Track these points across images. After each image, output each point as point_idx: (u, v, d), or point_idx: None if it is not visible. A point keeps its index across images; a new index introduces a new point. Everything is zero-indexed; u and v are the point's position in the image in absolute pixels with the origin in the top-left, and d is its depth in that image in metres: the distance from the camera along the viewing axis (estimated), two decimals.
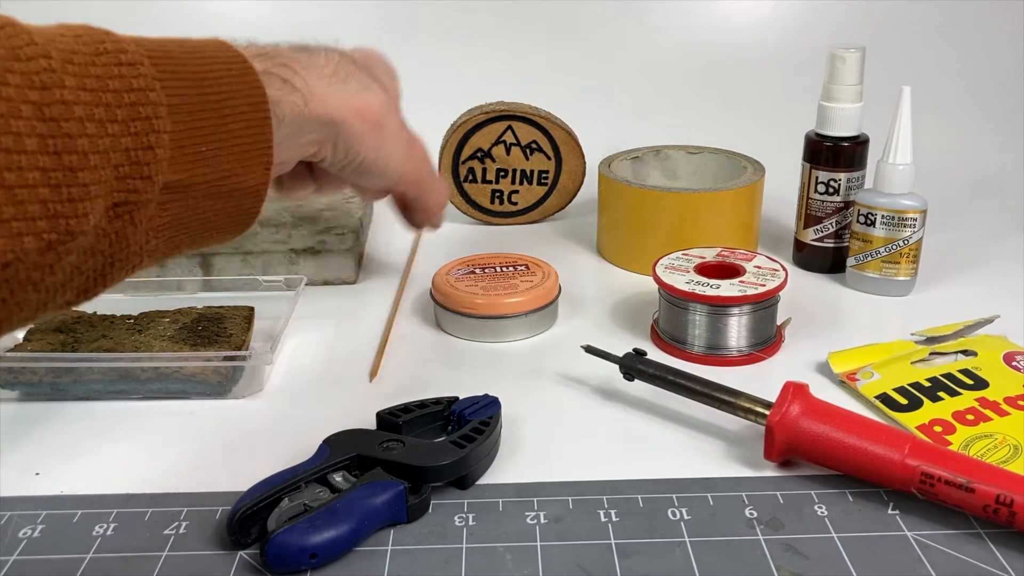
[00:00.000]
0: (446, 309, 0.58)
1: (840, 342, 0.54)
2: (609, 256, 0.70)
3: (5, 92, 0.29)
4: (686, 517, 0.40)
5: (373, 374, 0.53)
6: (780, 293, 0.54)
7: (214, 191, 0.38)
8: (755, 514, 0.40)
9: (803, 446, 0.42)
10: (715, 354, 0.54)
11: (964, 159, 0.91)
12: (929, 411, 0.47)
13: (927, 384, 0.49)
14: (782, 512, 0.40)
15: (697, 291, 0.53)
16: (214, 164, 0.37)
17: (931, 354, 0.53)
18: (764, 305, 0.54)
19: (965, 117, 0.97)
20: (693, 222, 0.64)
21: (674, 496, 0.42)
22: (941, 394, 0.48)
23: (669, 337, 0.56)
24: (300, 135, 0.41)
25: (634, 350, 0.49)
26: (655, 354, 0.54)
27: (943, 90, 0.97)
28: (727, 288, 0.53)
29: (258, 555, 0.38)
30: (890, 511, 0.40)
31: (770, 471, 0.43)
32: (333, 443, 0.43)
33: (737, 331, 0.54)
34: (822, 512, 0.40)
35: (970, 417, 0.46)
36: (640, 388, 0.50)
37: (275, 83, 0.39)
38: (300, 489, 0.40)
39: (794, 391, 0.43)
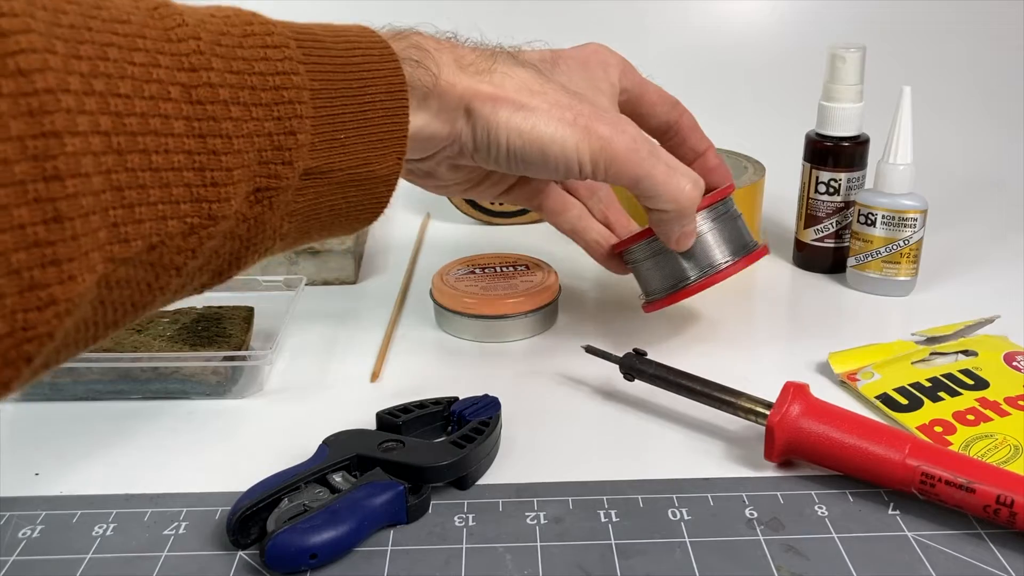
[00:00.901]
0: (446, 309, 0.58)
1: (840, 342, 0.54)
2: None
3: (156, 74, 0.29)
4: (686, 517, 0.40)
5: (375, 375, 0.53)
6: (731, 195, 0.53)
7: (348, 178, 0.37)
8: (755, 514, 0.40)
9: (803, 446, 0.42)
10: (710, 273, 0.51)
11: (965, 159, 0.91)
12: (929, 411, 0.47)
13: (927, 384, 0.49)
14: (782, 512, 0.40)
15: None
16: (351, 151, 0.36)
17: (931, 354, 0.53)
18: (722, 210, 0.52)
19: (966, 117, 0.97)
20: None
21: (674, 496, 0.42)
22: (941, 394, 0.48)
23: (663, 292, 0.53)
24: (430, 122, 0.41)
25: (634, 350, 0.49)
26: (662, 321, 0.53)
27: (944, 90, 0.97)
28: None
29: (258, 555, 0.38)
30: (890, 511, 0.40)
31: (770, 471, 0.43)
32: (332, 443, 0.42)
33: (714, 240, 0.51)
34: (822, 512, 0.40)
35: (971, 417, 0.46)
36: (640, 388, 0.50)
37: (407, 65, 0.39)
38: (300, 489, 0.40)
39: (794, 391, 0.43)
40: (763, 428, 0.43)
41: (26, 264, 0.25)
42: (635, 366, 0.48)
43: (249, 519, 0.38)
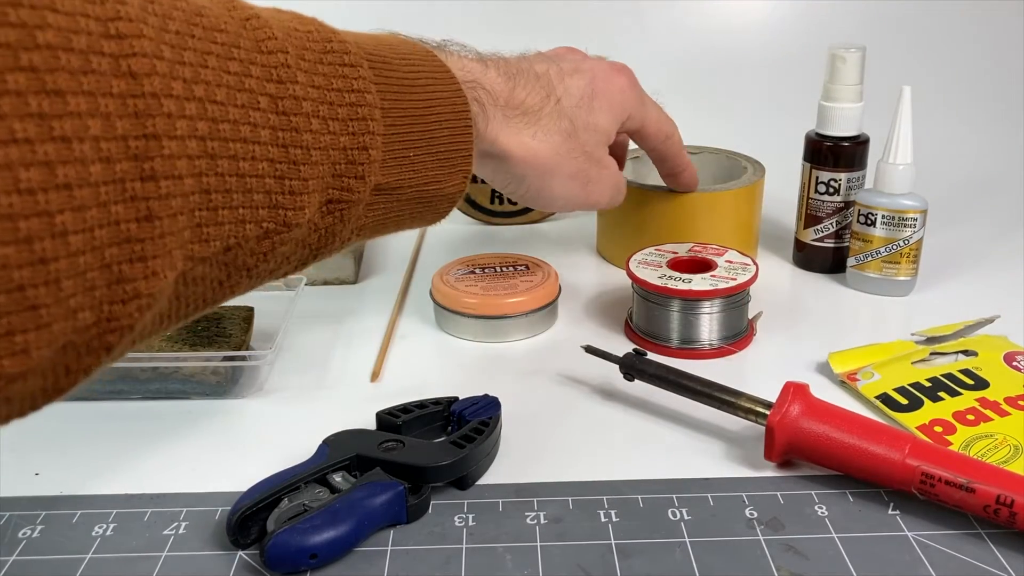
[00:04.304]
0: (446, 309, 0.58)
1: (841, 342, 0.54)
2: (609, 256, 0.70)
3: (248, 83, 0.30)
4: (686, 517, 0.40)
5: (375, 375, 0.53)
6: (751, 288, 0.55)
7: (417, 195, 0.39)
8: (755, 514, 0.40)
9: (803, 446, 0.42)
10: (687, 347, 0.55)
11: (965, 159, 0.91)
12: (929, 411, 0.47)
13: (927, 384, 0.49)
14: (782, 512, 0.40)
15: (670, 286, 0.53)
16: (419, 169, 0.38)
17: (931, 354, 0.53)
18: (736, 300, 0.54)
19: (966, 117, 0.97)
20: (693, 222, 0.64)
21: (674, 496, 0.42)
22: (941, 394, 0.48)
23: (642, 332, 0.56)
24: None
25: (634, 350, 0.49)
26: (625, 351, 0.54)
27: (944, 90, 0.97)
28: (699, 282, 0.53)
29: (258, 555, 0.38)
30: (890, 511, 0.40)
31: (770, 471, 0.43)
32: (332, 443, 0.42)
33: (709, 325, 0.54)
34: (822, 512, 0.40)
35: (970, 417, 0.46)
36: (640, 388, 0.50)
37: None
38: (300, 489, 0.40)
39: (794, 391, 0.43)
40: (763, 428, 0.43)
41: (116, 259, 0.26)
42: (635, 366, 0.48)
43: (249, 519, 0.38)
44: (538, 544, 0.38)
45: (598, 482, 0.43)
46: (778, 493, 0.42)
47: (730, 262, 0.56)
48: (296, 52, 0.33)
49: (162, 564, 0.38)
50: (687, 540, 0.39)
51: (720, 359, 0.54)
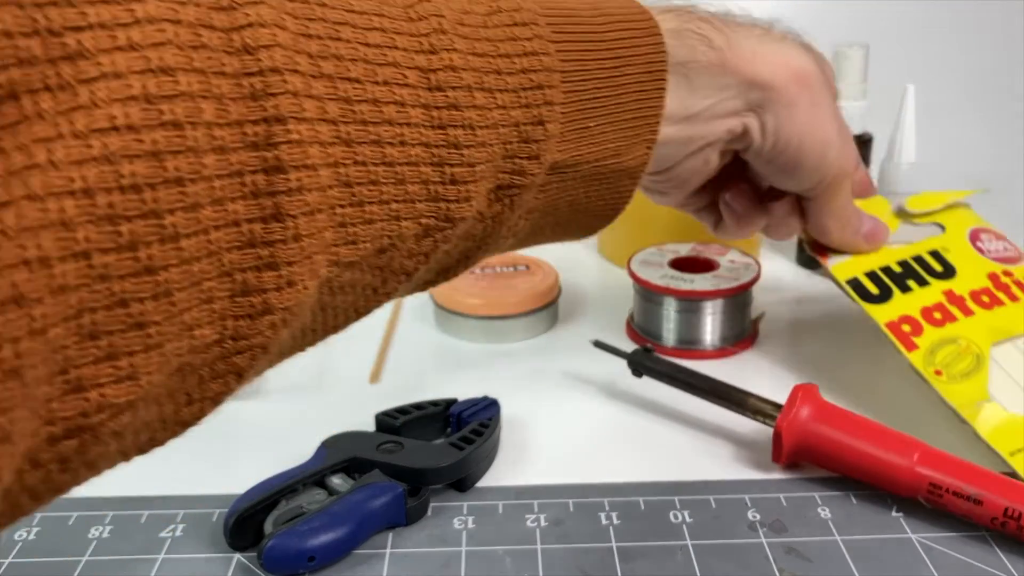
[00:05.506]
0: (446, 310, 0.57)
1: (843, 344, 0.54)
2: (610, 255, 0.69)
3: (392, 56, 0.26)
4: (688, 520, 0.40)
5: (374, 377, 0.53)
6: (753, 288, 0.55)
7: (593, 172, 0.33)
8: (758, 517, 0.40)
9: (811, 450, 0.41)
10: (689, 348, 0.54)
11: (969, 158, 0.90)
12: (898, 306, 0.46)
13: (898, 270, 0.48)
14: (785, 515, 0.40)
15: (672, 285, 0.53)
16: (599, 141, 0.33)
17: (903, 225, 0.51)
18: (738, 300, 0.54)
19: (970, 115, 0.96)
20: (695, 222, 0.63)
21: (676, 499, 0.41)
22: (910, 283, 0.47)
23: (644, 332, 0.56)
24: (719, 102, 0.36)
25: (643, 347, 0.49)
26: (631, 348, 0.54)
27: (947, 89, 0.97)
28: (701, 282, 0.53)
29: (255, 558, 0.38)
30: (894, 513, 0.40)
31: (772, 473, 0.43)
32: (331, 445, 0.42)
33: (711, 326, 0.54)
34: (825, 515, 0.40)
35: (937, 316, 0.45)
36: (641, 389, 0.49)
37: (689, 39, 0.34)
38: (298, 492, 0.40)
39: (803, 394, 0.42)
40: (766, 429, 0.43)
41: (239, 265, 0.22)
42: (644, 363, 0.48)
43: (246, 521, 0.38)
44: (538, 547, 0.38)
45: (599, 484, 0.42)
46: (781, 495, 0.41)
47: (732, 262, 0.56)
48: (454, 16, 0.28)
49: (159, 567, 0.37)
50: (689, 543, 0.38)
51: (722, 360, 0.54)
